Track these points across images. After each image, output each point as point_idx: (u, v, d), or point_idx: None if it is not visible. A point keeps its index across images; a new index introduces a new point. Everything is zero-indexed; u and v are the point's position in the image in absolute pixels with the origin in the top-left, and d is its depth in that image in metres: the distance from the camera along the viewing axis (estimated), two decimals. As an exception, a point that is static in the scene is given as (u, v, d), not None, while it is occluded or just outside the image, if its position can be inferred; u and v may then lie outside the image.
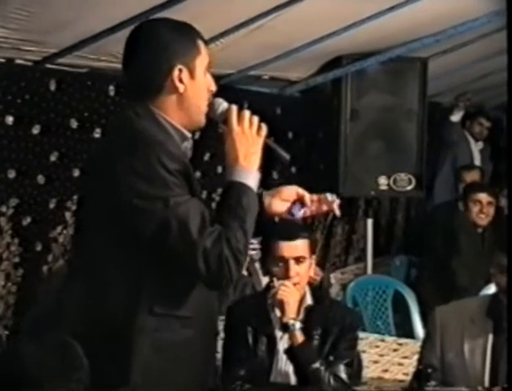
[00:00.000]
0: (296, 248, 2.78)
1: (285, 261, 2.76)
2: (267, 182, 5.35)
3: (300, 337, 2.68)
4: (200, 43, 2.11)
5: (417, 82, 5.17)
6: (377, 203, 6.20)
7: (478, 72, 6.02)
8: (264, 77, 4.74)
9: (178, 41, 2.07)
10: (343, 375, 2.70)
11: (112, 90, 3.94)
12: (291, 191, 2.33)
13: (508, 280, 1.40)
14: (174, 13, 3.10)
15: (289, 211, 2.27)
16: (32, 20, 2.94)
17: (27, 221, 3.58)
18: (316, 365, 2.63)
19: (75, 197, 3.80)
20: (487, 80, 6.33)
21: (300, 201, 2.29)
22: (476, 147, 6.89)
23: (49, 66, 3.53)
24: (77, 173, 3.81)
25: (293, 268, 2.75)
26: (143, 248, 1.92)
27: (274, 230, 2.79)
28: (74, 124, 3.76)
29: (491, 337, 2.50)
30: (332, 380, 2.65)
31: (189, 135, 2.14)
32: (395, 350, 3.68)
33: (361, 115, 5.08)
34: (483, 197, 5.01)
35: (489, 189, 5.23)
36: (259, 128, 2.09)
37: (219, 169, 4.82)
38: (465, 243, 4.99)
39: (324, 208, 2.29)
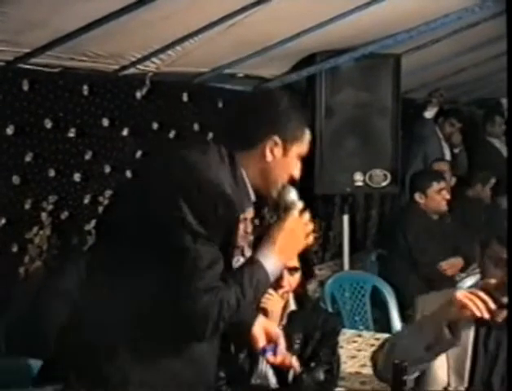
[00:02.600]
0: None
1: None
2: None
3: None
4: (307, 132, 2.23)
5: (391, 79, 5.19)
6: (353, 199, 6.22)
7: (452, 68, 6.07)
8: (238, 75, 4.73)
9: (289, 119, 2.17)
10: (324, 382, 2.71)
11: (85, 89, 3.93)
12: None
13: (508, 279, 1.40)
14: (147, 11, 3.10)
15: (263, 349, 2.34)
16: (4, 20, 2.92)
17: (2, 222, 3.56)
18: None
19: (51, 197, 3.78)
20: (461, 76, 6.39)
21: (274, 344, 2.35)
22: (445, 144, 6.96)
23: (21, 66, 3.50)
24: (52, 173, 3.79)
25: (287, 278, 2.77)
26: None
27: None
28: (48, 124, 3.74)
29: (472, 329, 2.48)
30: (312, 386, 2.67)
31: (253, 199, 2.23)
32: (372, 345, 3.69)
33: (336, 112, 5.10)
34: (442, 185, 5.15)
35: (442, 176, 5.36)
36: (308, 235, 2.17)
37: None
38: (425, 233, 5.06)
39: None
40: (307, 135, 2.23)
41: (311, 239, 2.18)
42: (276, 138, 2.13)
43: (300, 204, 2.18)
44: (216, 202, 1.98)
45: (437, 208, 5.13)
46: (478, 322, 2.35)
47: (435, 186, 5.12)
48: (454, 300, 2.27)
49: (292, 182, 2.24)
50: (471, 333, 2.48)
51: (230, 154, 2.12)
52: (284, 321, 2.79)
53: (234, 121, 2.21)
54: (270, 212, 4.49)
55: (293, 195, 2.20)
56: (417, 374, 2.45)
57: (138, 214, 2.01)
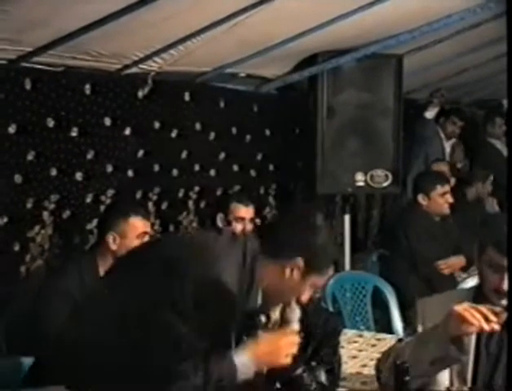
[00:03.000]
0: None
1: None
2: (246, 179, 5.41)
3: None
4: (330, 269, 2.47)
5: (393, 79, 5.19)
6: (354, 199, 6.23)
7: (453, 68, 6.07)
8: (240, 75, 4.74)
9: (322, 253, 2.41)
10: (325, 382, 2.70)
11: (88, 88, 3.93)
12: None
13: (508, 278, 1.40)
14: (149, 11, 3.10)
15: None
16: (6, 19, 2.93)
17: (4, 220, 3.56)
18: (299, 371, 2.64)
19: (52, 197, 3.79)
20: (462, 76, 6.39)
21: None
22: (447, 144, 6.96)
23: (24, 65, 3.51)
24: (54, 172, 3.79)
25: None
26: None
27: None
28: (51, 123, 3.75)
29: (474, 334, 2.42)
30: (314, 386, 2.66)
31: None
32: (373, 346, 3.69)
33: (337, 112, 5.10)
34: (446, 188, 5.09)
35: (447, 179, 5.33)
36: (288, 355, 2.27)
37: (196, 168, 4.83)
38: (427, 234, 5.04)
39: None
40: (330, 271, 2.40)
41: (289, 360, 2.26)
42: (300, 262, 2.31)
43: (296, 326, 2.31)
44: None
45: (440, 211, 5.09)
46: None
47: (439, 189, 5.05)
48: (453, 314, 2.28)
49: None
50: (473, 336, 2.43)
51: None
52: None
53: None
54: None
55: (294, 315, 2.35)
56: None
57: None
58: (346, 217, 5.59)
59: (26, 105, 3.61)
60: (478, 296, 2.50)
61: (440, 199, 5.06)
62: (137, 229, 3.19)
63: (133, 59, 3.90)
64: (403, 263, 5.03)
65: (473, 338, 2.43)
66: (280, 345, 2.24)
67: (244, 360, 2.19)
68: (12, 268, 3.63)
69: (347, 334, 3.84)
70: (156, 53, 3.87)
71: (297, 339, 2.25)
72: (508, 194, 1.50)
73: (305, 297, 2.34)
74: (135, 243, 3.03)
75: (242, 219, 4.15)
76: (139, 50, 3.82)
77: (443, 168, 5.99)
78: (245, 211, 4.18)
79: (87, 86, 3.93)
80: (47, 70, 3.65)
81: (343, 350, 3.31)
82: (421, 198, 5.10)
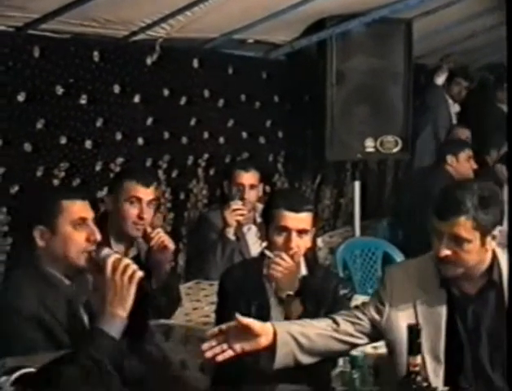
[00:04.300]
0: (301, 220, 2.75)
1: (288, 231, 2.74)
2: (255, 146, 5.41)
3: (295, 312, 2.68)
4: None
5: (402, 44, 5.16)
6: (364, 166, 6.21)
7: (463, 33, 6.02)
8: (249, 41, 4.71)
9: None
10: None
11: (96, 55, 3.91)
12: None
13: (508, 277, 1.38)
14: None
15: None
16: (13, -15, 2.91)
17: (14, 189, 3.57)
18: None
19: (62, 165, 3.79)
20: (472, 41, 6.34)
21: None
22: (453, 109, 6.91)
23: (32, 32, 3.49)
24: (64, 140, 3.79)
25: (295, 240, 2.73)
26: None
27: (281, 198, 2.83)
28: (60, 91, 3.73)
29: (444, 308, 2.41)
30: None
31: None
32: (384, 310, 3.70)
33: (347, 77, 5.07)
34: (471, 153, 5.15)
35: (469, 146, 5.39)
36: (132, 276, 2.22)
37: (205, 135, 4.83)
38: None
39: None
40: None
41: (136, 276, 2.23)
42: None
43: (114, 255, 2.26)
44: None
45: (465, 174, 5.08)
46: None
47: (467, 151, 5.15)
48: None
49: None
50: (443, 311, 2.40)
51: None
52: (297, 285, 2.77)
53: None
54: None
55: (104, 252, 2.30)
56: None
57: None
58: (356, 184, 5.57)
59: (35, 73, 3.59)
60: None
61: (467, 163, 5.09)
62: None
63: (140, 25, 3.88)
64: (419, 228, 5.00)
65: (443, 314, 2.39)
66: (116, 278, 2.21)
67: (107, 319, 2.19)
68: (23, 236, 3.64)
69: (358, 299, 3.84)
70: (164, 19, 3.85)
71: (124, 260, 2.26)
72: (508, 192, 1.48)
73: None
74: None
75: (242, 185, 4.13)
76: (146, 16, 3.80)
77: (466, 133, 5.96)
78: (246, 177, 4.14)
79: (95, 53, 3.91)
80: (55, 37, 3.64)
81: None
82: (449, 159, 5.10)
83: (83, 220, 2.37)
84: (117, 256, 2.28)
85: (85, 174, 3.94)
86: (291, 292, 2.72)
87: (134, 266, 2.24)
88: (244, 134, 5.19)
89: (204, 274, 4.00)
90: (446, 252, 2.29)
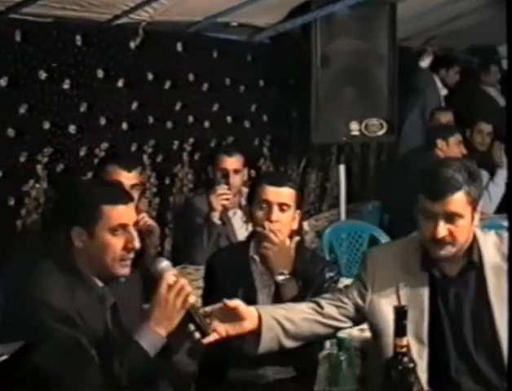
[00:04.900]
0: (282, 194, 2.77)
1: (269, 205, 2.76)
2: (240, 130, 5.39)
3: (291, 291, 2.69)
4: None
5: (387, 26, 5.14)
6: (349, 149, 6.21)
7: (447, 15, 6.02)
8: (233, 24, 4.69)
9: None
10: None
11: (79, 39, 3.87)
12: None
13: (508, 276, 1.38)
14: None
15: None
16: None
17: (-2, 174, 3.55)
18: None
19: (46, 150, 3.76)
20: (456, 23, 6.33)
21: None
22: (444, 92, 6.92)
23: (13, 16, 3.45)
24: (47, 125, 3.75)
25: (276, 213, 2.75)
26: None
27: (263, 176, 2.90)
28: (43, 75, 3.69)
29: (426, 290, 2.41)
30: None
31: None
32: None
33: (332, 60, 5.05)
34: (460, 138, 5.14)
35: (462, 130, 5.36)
36: (186, 299, 2.22)
37: (190, 119, 4.80)
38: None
39: None
40: None
41: (190, 300, 2.23)
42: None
43: (170, 272, 2.25)
44: None
45: None
46: None
47: (457, 136, 5.14)
48: None
49: None
50: (426, 293, 2.40)
51: None
52: (291, 266, 2.77)
53: None
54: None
55: (162, 265, 2.26)
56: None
57: None
58: (342, 167, 5.57)
59: (17, 57, 3.55)
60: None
61: (456, 148, 5.08)
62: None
63: (123, 8, 3.84)
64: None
65: (426, 296, 2.39)
66: (170, 296, 2.21)
67: (147, 335, 2.20)
68: (8, 222, 3.62)
69: (344, 282, 3.84)
70: (147, 2, 3.82)
71: (181, 281, 2.23)
72: (508, 191, 1.47)
73: None
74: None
75: (226, 170, 4.13)
76: (129, -1, 3.77)
77: (449, 117, 5.94)
78: (229, 161, 4.14)
79: (78, 37, 3.87)
80: (37, 21, 3.59)
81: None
82: (439, 143, 5.11)
83: (123, 226, 2.30)
84: (174, 272, 2.27)
85: (69, 160, 3.91)
86: (286, 272, 2.72)
87: (188, 289, 2.24)
88: (229, 118, 5.17)
89: (190, 258, 4.00)
90: (443, 232, 2.29)
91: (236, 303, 2.30)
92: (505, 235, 2.39)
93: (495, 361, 2.34)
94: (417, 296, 2.38)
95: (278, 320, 2.37)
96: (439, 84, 6.85)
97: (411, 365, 1.89)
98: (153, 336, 2.20)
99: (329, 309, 2.43)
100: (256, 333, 2.33)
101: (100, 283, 2.34)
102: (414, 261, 2.43)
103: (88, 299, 2.28)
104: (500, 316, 2.32)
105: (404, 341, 1.91)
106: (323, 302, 2.46)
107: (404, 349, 1.90)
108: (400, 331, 1.91)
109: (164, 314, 2.20)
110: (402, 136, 6.23)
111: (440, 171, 2.35)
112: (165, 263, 2.28)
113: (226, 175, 4.11)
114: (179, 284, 2.22)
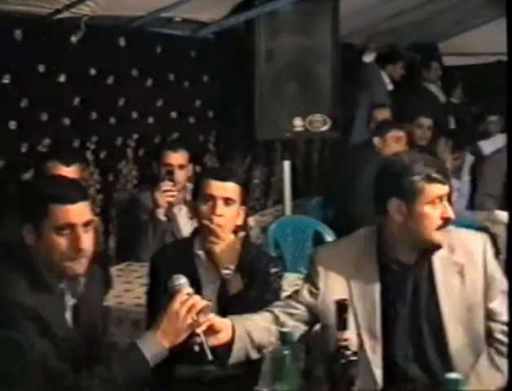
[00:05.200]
0: (226, 188, 2.78)
1: (214, 199, 2.76)
2: (184, 126, 5.36)
3: (236, 288, 2.70)
4: None
5: (330, 23, 5.18)
6: (294, 145, 6.25)
7: (388, 11, 6.08)
8: (176, 19, 4.67)
9: None
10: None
11: (18, 34, 3.81)
12: None
13: (508, 276, 1.41)
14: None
15: None
16: None
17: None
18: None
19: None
20: (399, 19, 6.40)
21: None
22: (391, 87, 6.99)
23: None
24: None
25: (221, 207, 2.75)
26: None
27: (208, 171, 2.78)
28: (-19, 70, 3.63)
29: (377, 284, 2.43)
30: None
31: None
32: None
33: (275, 56, 5.07)
34: (402, 135, 5.13)
35: (401, 126, 5.36)
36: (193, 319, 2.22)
37: (134, 115, 4.77)
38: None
39: None
40: None
41: (200, 320, 2.23)
42: None
43: (186, 289, 2.25)
44: None
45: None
46: None
47: (394, 132, 5.12)
48: None
49: None
50: (377, 287, 2.43)
51: None
52: (237, 260, 2.78)
53: None
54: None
55: (179, 281, 2.27)
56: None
57: None
58: (286, 163, 5.60)
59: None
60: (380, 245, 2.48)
61: (395, 144, 5.09)
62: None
63: (64, 2, 3.79)
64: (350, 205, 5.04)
65: (377, 290, 2.42)
66: (181, 312, 2.21)
67: (151, 344, 2.19)
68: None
69: (289, 277, 3.87)
70: (88, -4, 3.77)
71: (194, 298, 2.25)
72: (508, 193, 1.50)
73: None
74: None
75: (171, 165, 4.12)
76: (69, -7, 3.72)
77: (386, 114, 5.99)
78: (174, 157, 4.15)
79: (18, 32, 3.80)
80: (-24, 15, 3.53)
81: (285, 293, 3.35)
82: (376, 140, 5.16)
83: (70, 226, 2.20)
84: (189, 290, 2.26)
85: (9, 156, 3.85)
86: (231, 267, 2.72)
87: (200, 305, 2.23)
88: (174, 114, 5.15)
89: (135, 255, 3.98)
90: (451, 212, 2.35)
91: (210, 320, 2.28)
92: (451, 227, 2.44)
93: (440, 349, 2.39)
94: (369, 291, 2.41)
95: (248, 330, 2.38)
96: (386, 79, 6.93)
97: (353, 358, 1.92)
98: (157, 345, 2.19)
99: (285, 318, 2.45)
100: (229, 344, 2.34)
101: (60, 282, 2.29)
102: (365, 256, 2.46)
103: (48, 298, 2.23)
104: (445, 305, 2.38)
105: (346, 335, 1.93)
106: (277, 312, 2.47)
107: (346, 343, 1.93)
108: (342, 324, 1.94)
109: (172, 328, 2.20)
110: (353, 130, 6.31)
111: (436, 161, 2.42)
112: (182, 280, 2.28)
113: (171, 171, 4.10)
114: (191, 301, 2.23)
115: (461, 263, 2.41)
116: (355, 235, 2.55)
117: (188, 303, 2.21)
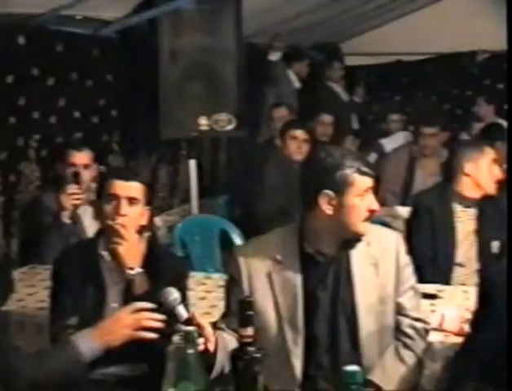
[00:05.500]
0: (130, 188, 2.75)
1: (118, 199, 2.74)
2: (88, 126, 5.27)
3: (141, 286, 2.68)
4: None
5: (233, 22, 5.21)
6: (200, 144, 6.25)
7: (291, 12, 6.16)
8: (77, 18, 4.60)
9: None
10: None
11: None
12: None
13: (508, 276, 1.43)
14: None
15: None
16: None
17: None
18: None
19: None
20: (302, 20, 6.50)
21: None
22: (297, 85, 7.09)
23: None
24: None
25: (125, 207, 2.73)
26: None
27: (112, 171, 2.75)
28: None
29: (300, 277, 2.47)
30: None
31: None
32: (221, 286, 3.75)
33: (179, 55, 5.07)
34: (300, 134, 5.17)
35: (305, 126, 5.40)
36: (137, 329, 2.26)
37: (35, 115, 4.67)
38: (283, 179, 5.11)
39: None
40: None
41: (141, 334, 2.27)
42: None
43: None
44: None
45: (290, 156, 5.14)
46: None
47: (291, 132, 5.13)
48: None
49: None
50: (299, 280, 2.47)
51: None
52: (141, 261, 2.76)
53: None
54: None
55: (173, 296, 2.27)
56: None
57: None
58: (192, 162, 5.60)
59: None
60: (302, 235, 2.53)
61: (292, 143, 5.13)
62: None
63: (-42, -1, 3.69)
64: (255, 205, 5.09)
65: (299, 280, 2.46)
66: (125, 321, 2.27)
67: (88, 341, 2.22)
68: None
69: (196, 276, 3.89)
70: (-16, -7, 3.68)
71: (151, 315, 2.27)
72: (508, 193, 1.52)
73: None
74: None
75: (75, 165, 4.08)
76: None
77: (283, 113, 6.01)
78: (78, 157, 4.11)
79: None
80: None
81: (192, 292, 3.35)
82: (277, 140, 5.21)
83: None
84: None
85: None
86: (136, 267, 2.71)
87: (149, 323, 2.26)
88: (77, 114, 5.07)
89: (39, 258, 3.90)
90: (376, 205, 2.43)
91: (204, 324, 2.24)
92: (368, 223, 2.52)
93: (353, 339, 2.46)
94: (291, 284, 2.44)
95: (225, 343, 2.34)
96: (293, 77, 7.02)
97: (257, 355, 1.94)
98: (93, 344, 2.21)
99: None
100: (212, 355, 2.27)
101: None
102: (285, 250, 2.49)
103: None
104: (360, 295, 2.46)
105: (249, 331, 1.95)
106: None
107: (250, 339, 1.95)
108: (245, 321, 1.96)
109: (110, 331, 2.25)
110: (261, 129, 6.36)
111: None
112: (176, 295, 2.27)
113: (77, 173, 4.04)
114: (142, 316, 2.26)
115: (376, 256, 2.50)
116: (274, 231, 2.59)
117: (136, 317, 2.25)
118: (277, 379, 2.41)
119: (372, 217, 2.47)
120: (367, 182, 2.43)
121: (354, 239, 2.48)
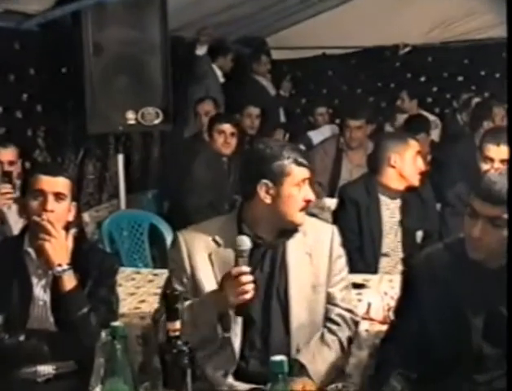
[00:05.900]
0: (57, 183, 2.72)
1: (44, 194, 2.70)
2: (12, 121, 5.17)
3: (70, 283, 2.66)
4: None
5: (158, 15, 5.16)
6: (128, 139, 6.20)
7: (218, 5, 6.16)
8: (-1, 11, 4.50)
9: None
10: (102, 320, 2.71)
11: None
12: None
13: (508, 276, 1.45)
14: None
15: None
16: None
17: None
18: (85, 310, 2.64)
19: None
20: (228, 13, 6.51)
21: None
22: (222, 80, 7.09)
23: None
24: None
25: (52, 203, 2.70)
26: None
27: (37, 167, 2.71)
28: None
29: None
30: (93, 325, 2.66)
31: None
32: (150, 281, 3.75)
33: (104, 49, 4.99)
34: (227, 127, 5.19)
35: (232, 119, 5.42)
36: None
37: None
38: (211, 173, 5.13)
39: None
40: None
41: None
42: None
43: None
44: None
45: (218, 149, 5.17)
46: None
47: (218, 126, 5.17)
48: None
49: None
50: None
51: None
52: (68, 258, 2.73)
53: None
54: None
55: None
56: None
57: None
58: (120, 157, 5.55)
59: None
60: (241, 220, 2.61)
61: (219, 138, 5.15)
62: None
63: None
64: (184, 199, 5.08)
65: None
66: None
67: None
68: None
69: (125, 272, 3.87)
70: None
71: None
72: (508, 194, 1.54)
73: None
74: None
75: (0, 162, 4.02)
76: None
77: (208, 107, 5.99)
78: (3, 153, 4.09)
79: None
80: None
81: (121, 288, 3.35)
82: (205, 135, 5.22)
83: None
84: None
85: None
86: (63, 264, 2.67)
87: None
88: (0, 109, 4.96)
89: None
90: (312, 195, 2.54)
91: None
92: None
93: (285, 325, 2.54)
94: (229, 265, 2.44)
95: None
96: (218, 71, 7.02)
97: (184, 348, 1.95)
98: None
99: None
100: None
101: None
102: (225, 233, 2.56)
103: None
104: (293, 281, 2.55)
105: (177, 325, 1.96)
106: None
107: (177, 333, 1.96)
108: (172, 315, 1.97)
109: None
110: (188, 123, 6.34)
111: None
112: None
113: (8, 172, 4.00)
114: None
115: (311, 246, 2.59)
116: (214, 218, 2.72)
117: None
118: (218, 355, 2.51)
119: (308, 208, 2.56)
120: (303, 172, 2.52)
121: (291, 228, 2.57)
